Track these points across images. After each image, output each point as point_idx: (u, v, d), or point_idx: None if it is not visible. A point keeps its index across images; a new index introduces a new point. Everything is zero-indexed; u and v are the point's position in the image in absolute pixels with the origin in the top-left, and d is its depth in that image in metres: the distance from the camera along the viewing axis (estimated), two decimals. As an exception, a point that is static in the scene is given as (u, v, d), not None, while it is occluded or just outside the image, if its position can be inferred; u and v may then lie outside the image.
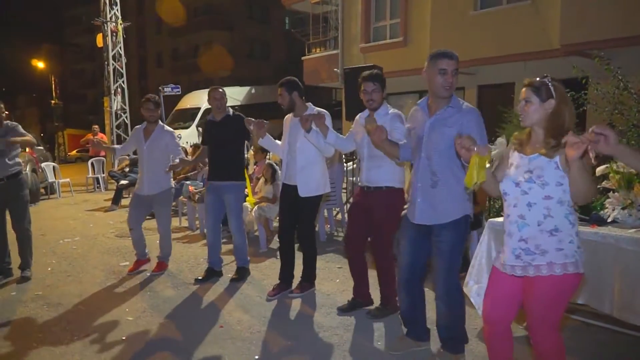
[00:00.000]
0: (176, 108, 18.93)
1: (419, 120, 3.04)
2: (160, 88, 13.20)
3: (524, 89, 2.30)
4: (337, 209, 7.30)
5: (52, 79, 30.50)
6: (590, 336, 3.43)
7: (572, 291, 2.31)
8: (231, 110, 4.87)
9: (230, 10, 33.64)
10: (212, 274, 4.95)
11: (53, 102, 27.99)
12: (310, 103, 4.30)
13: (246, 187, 5.11)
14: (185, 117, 17.89)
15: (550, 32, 9.79)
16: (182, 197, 7.79)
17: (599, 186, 3.70)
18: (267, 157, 7.68)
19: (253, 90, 21.05)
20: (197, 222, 7.31)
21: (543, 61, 10.24)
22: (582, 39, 9.02)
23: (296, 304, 4.21)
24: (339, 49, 15.15)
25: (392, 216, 3.62)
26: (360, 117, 3.88)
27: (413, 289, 3.22)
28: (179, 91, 16.14)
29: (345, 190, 7.90)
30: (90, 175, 12.71)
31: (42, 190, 11.52)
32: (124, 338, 3.59)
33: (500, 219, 3.82)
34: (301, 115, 3.95)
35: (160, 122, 5.12)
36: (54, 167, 11.88)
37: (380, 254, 3.84)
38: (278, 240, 4.55)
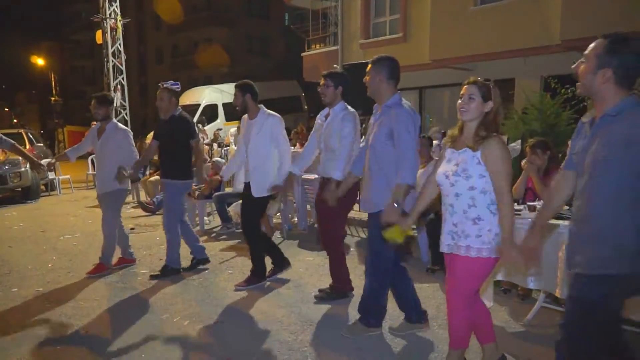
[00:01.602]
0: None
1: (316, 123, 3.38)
2: (160, 85, 13.15)
3: (467, 86, 2.53)
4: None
5: (52, 75, 30.40)
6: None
7: (485, 272, 2.63)
8: (179, 111, 4.90)
9: (229, 6, 33.56)
10: (199, 263, 5.15)
11: (53, 99, 27.92)
12: (262, 105, 4.45)
13: (190, 188, 5.16)
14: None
15: (550, 27, 9.75)
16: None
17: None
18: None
19: (252, 87, 21.00)
20: (196, 219, 7.32)
21: (543, 56, 10.22)
22: (583, 34, 8.98)
23: (294, 300, 4.23)
24: (339, 45, 15.11)
25: (345, 204, 3.93)
26: (320, 114, 4.14)
27: (392, 278, 3.44)
28: (178, 88, 16.00)
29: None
30: (90, 172, 12.69)
31: (43, 187, 11.54)
32: (124, 334, 3.60)
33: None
34: (274, 187, 4.31)
35: (113, 120, 5.12)
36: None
37: (330, 241, 4.11)
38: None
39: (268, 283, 4.62)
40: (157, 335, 3.59)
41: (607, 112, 1.97)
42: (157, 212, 8.35)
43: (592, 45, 2.03)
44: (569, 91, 5.29)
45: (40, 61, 34.03)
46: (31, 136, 12.64)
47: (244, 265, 5.25)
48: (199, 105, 17.53)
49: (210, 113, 17.87)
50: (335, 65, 14.88)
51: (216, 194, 7.08)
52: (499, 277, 3.78)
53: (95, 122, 5.42)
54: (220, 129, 15.83)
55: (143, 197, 9.51)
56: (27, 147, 11.38)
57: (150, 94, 34.94)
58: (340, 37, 15.10)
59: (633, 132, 1.87)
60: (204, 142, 12.11)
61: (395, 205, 2.89)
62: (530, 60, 10.41)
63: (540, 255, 3.16)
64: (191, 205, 7.41)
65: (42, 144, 13.51)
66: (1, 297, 4.45)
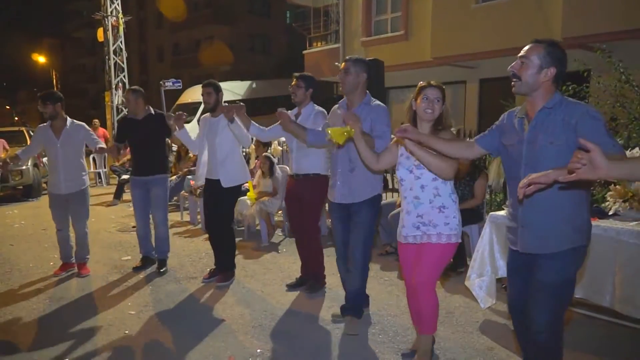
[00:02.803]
0: (177, 102, 18.93)
1: (339, 116, 3.41)
2: (161, 82, 13.15)
3: (434, 90, 2.75)
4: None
5: (53, 73, 30.47)
6: (592, 329, 3.44)
7: (450, 257, 2.90)
8: (152, 109, 5.02)
9: (231, 4, 33.49)
10: (148, 261, 5.20)
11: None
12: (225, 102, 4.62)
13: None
14: (187, 112, 17.77)
15: (552, 25, 9.73)
16: (183, 191, 7.80)
17: (599, 179, 3.70)
18: (268, 150, 7.68)
19: (254, 85, 21.01)
20: (198, 217, 7.33)
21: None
22: (584, 31, 8.98)
23: (298, 299, 4.23)
24: (340, 43, 15.10)
25: (319, 199, 4.18)
26: (290, 113, 4.15)
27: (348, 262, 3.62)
28: (180, 86, 16.07)
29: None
30: (92, 170, 12.72)
31: (44, 185, 11.53)
32: (126, 332, 3.61)
33: (501, 213, 3.85)
34: (223, 108, 4.29)
35: (68, 117, 4.93)
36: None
37: (309, 235, 4.28)
38: (207, 232, 4.88)
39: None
40: (157, 332, 3.60)
41: (545, 105, 2.24)
42: (122, 179, 8.49)
43: (528, 47, 2.31)
44: (570, 88, 5.31)
45: (41, 59, 34.08)
46: (32, 134, 12.62)
47: (245, 263, 5.26)
48: (200, 103, 17.47)
49: (211, 111, 17.84)
50: (336, 63, 14.89)
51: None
52: (501, 274, 3.78)
53: (96, 120, 5.41)
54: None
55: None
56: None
57: (151, 92, 34.96)
58: (342, 35, 15.08)
59: (566, 119, 2.16)
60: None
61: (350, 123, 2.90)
62: (532, 58, 10.39)
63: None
64: (193, 203, 7.42)
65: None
66: (3, 295, 4.46)
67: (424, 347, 2.96)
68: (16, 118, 43.25)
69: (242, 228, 6.64)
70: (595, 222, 3.16)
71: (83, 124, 5.04)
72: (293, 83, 4.16)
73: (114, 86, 15.92)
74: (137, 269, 5.08)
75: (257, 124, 4.32)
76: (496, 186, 5.44)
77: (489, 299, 3.71)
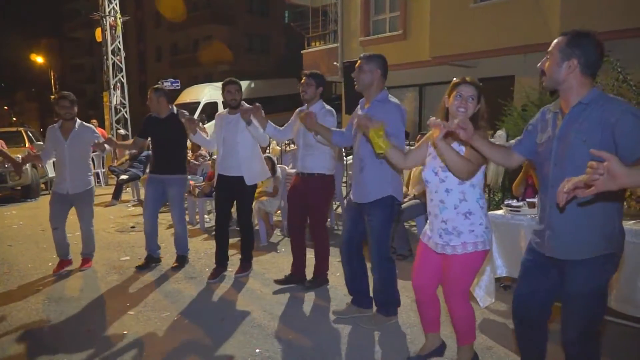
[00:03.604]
0: (176, 102, 18.88)
1: (356, 114, 3.40)
2: (159, 82, 13.14)
3: (468, 87, 2.57)
4: (338, 203, 7.31)
5: (51, 73, 30.42)
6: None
7: (480, 264, 2.70)
8: (175, 109, 5.10)
9: (229, 4, 33.47)
10: (151, 260, 5.22)
11: (52, 97, 27.92)
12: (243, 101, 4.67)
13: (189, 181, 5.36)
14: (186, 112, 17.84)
15: (550, 24, 9.74)
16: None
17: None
18: (267, 150, 7.67)
19: (253, 85, 21.00)
20: (197, 217, 7.32)
21: (543, 53, 10.14)
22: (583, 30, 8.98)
23: (297, 298, 4.23)
24: (339, 43, 15.09)
25: (324, 199, 4.30)
26: (298, 111, 4.26)
27: (352, 261, 3.70)
28: (178, 85, 16.09)
29: (345, 184, 7.90)
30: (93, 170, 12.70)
31: (43, 186, 11.53)
32: (125, 332, 3.61)
33: (500, 212, 3.86)
34: (241, 109, 4.31)
35: (77, 119, 5.04)
36: (54, 162, 11.85)
37: (315, 232, 4.37)
38: (214, 228, 4.90)
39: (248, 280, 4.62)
40: (156, 332, 3.59)
41: (580, 100, 2.11)
42: (120, 179, 8.48)
43: (554, 42, 2.19)
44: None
45: (39, 59, 34.00)
46: (30, 134, 12.62)
47: (244, 263, 5.26)
48: (198, 103, 17.50)
49: (210, 111, 17.81)
50: (335, 63, 14.90)
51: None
52: (499, 273, 3.78)
53: (94, 120, 5.48)
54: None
55: (143, 195, 9.52)
56: (27, 145, 11.38)
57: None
58: (340, 35, 15.08)
59: (604, 117, 2.02)
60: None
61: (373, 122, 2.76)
62: (530, 58, 10.39)
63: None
64: (192, 203, 7.42)
65: (41, 142, 13.48)
66: (1, 295, 4.46)
67: (464, 358, 2.87)
68: (14, 118, 43.20)
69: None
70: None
71: (90, 126, 5.13)
72: (303, 81, 4.19)
73: (112, 86, 15.90)
74: (140, 268, 5.09)
75: (273, 124, 4.39)
76: (494, 185, 5.45)
77: (488, 298, 3.72)
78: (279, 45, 35.10)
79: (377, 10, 14.42)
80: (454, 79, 2.65)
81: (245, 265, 4.89)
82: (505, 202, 3.95)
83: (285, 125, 4.43)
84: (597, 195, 1.71)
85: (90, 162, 5.14)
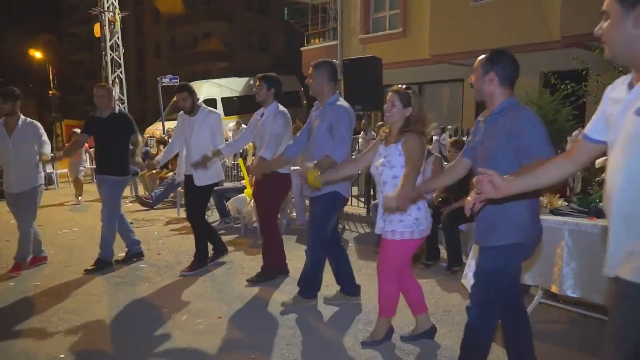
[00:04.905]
0: (174, 99, 18.86)
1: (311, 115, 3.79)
2: (158, 79, 13.13)
3: (390, 94, 2.94)
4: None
5: (50, 69, 30.27)
6: (588, 328, 3.45)
7: (408, 252, 3.04)
8: (117, 108, 5.08)
9: (228, 1, 33.42)
10: (133, 255, 5.24)
11: (51, 92, 27.83)
12: (202, 103, 5.00)
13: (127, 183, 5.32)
14: None
15: (550, 24, 9.74)
16: (180, 188, 7.77)
17: (598, 178, 3.70)
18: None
19: (251, 81, 20.97)
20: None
21: (543, 53, 10.21)
22: (583, 30, 8.95)
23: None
24: (338, 40, 15.09)
25: (274, 195, 4.41)
26: (256, 113, 4.47)
27: (332, 252, 3.93)
28: (177, 82, 15.98)
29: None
30: (88, 166, 12.67)
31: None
32: (123, 329, 3.60)
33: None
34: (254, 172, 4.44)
35: (21, 115, 4.86)
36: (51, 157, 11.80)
37: (261, 226, 4.60)
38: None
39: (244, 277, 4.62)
40: (156, 330, 3.58)
41: (493, 110, 2.41)
42: (155, 207, 8.36)
43: (477, 60, 2.46)
44: (569, 87, 5.33)
45: (37, 54, 33.88)
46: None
47: (242, 260, 5.25)
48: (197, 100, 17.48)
49: (208, 107, 17.81)
50: (334, 60, 14.89)
51: (215, 188, 7.05)
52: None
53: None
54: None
55: (141, 191, 9.50)
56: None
57: (148, 87, 34.87)
58: (340, 32, 15.08)
59: (512, 126, 2.27)
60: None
61: (308, 165, 3.21)
62: (530, 57, 10.39)
63: (540, 252, 3.22)
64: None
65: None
66: (-2, 291, 4.45)
67: (377, 328, 3.25)
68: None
69: (239, 225, 6.63)
70: (593, 222, 3.17)
71: (37, 123, 4.96)
72: (257, 84, 4.37)
73: (111, 82, 15.87)
74: (118, 262, 5.11)
75: (228, 147, 4.71)
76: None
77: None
78: (278, 43, 35.05)
79: (377, 7, 14.42)
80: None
81: (195, 264, 4.88)
82: None
83: (243, 133, 4.66)
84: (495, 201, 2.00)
85: (37, 160, 4.87)
